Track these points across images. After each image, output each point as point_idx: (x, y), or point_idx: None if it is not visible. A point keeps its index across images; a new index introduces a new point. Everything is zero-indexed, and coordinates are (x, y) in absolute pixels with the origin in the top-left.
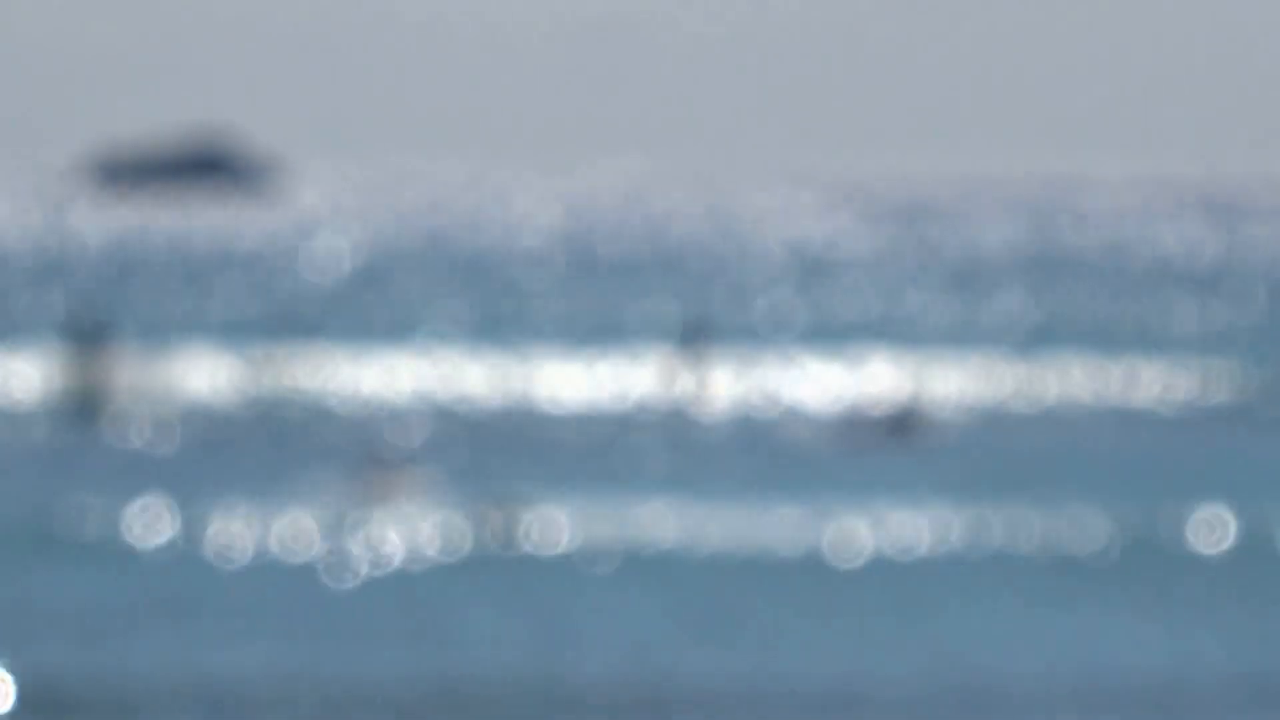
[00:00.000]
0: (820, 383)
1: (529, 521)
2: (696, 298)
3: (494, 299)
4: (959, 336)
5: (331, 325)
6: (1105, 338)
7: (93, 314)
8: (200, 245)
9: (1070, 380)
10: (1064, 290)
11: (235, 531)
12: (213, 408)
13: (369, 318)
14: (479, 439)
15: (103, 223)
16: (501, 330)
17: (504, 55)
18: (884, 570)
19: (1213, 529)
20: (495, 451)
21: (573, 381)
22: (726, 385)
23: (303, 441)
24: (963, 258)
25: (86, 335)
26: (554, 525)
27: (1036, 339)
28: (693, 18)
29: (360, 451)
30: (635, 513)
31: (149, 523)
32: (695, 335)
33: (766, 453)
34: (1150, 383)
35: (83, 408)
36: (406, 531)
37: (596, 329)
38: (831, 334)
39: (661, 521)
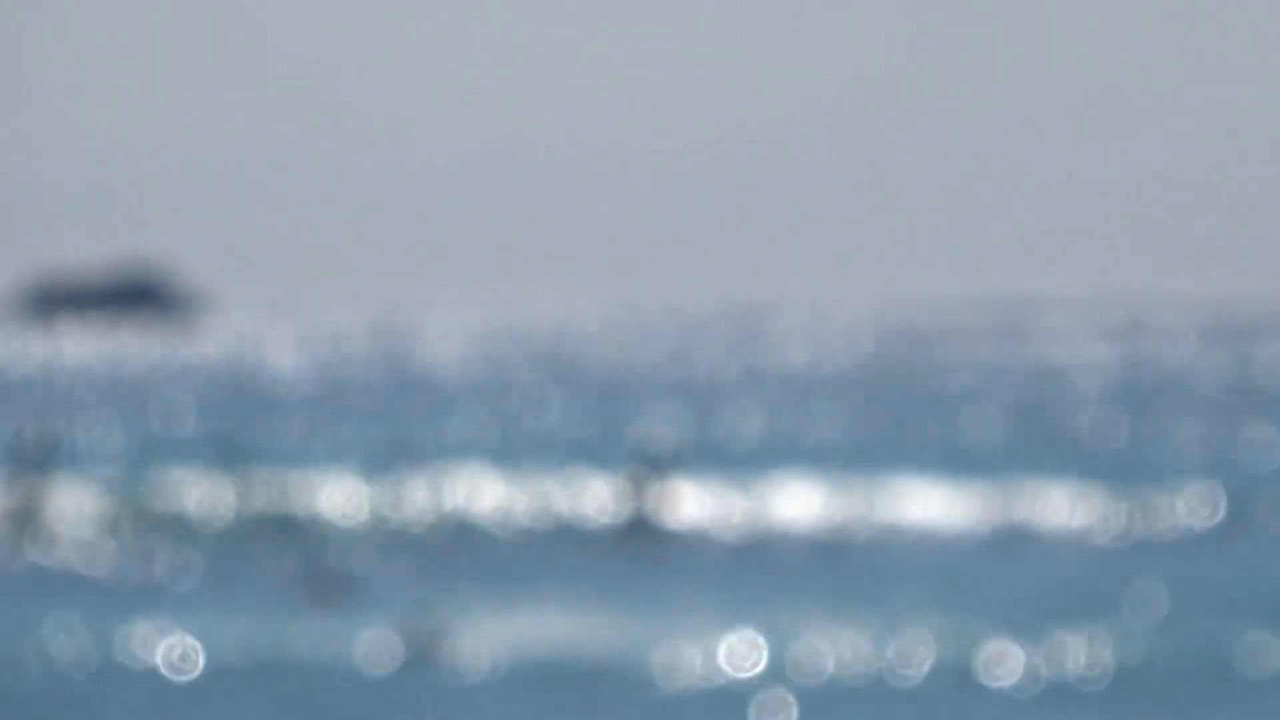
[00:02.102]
0: (766, 505)
1: (453, 642)
2: (652, 419)
3: (425, 421)
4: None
5: (270, 446)
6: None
7: (41, 437)
8: (136, 370)
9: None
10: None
11: (166, 641)
12: (154, 524)
13: (312, 438)
14: (420, 559)
15: (37, 350)
16: (444, 451)
17: (428, 185)
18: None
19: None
20: (435, 572)
21: (525, 501)
22: (680, 506)
23: (242, 556)
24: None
25: (33, 459)
26: (479, 647)
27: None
28: (615, 148)
29: (302, 567)
30: (560, 633)
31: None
32: (652, 457)
33: (725, 573)
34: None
35: (21, 530)
36: (338, 643)
37: (554, 449)
38: (772, 457)
39: (589, 640)
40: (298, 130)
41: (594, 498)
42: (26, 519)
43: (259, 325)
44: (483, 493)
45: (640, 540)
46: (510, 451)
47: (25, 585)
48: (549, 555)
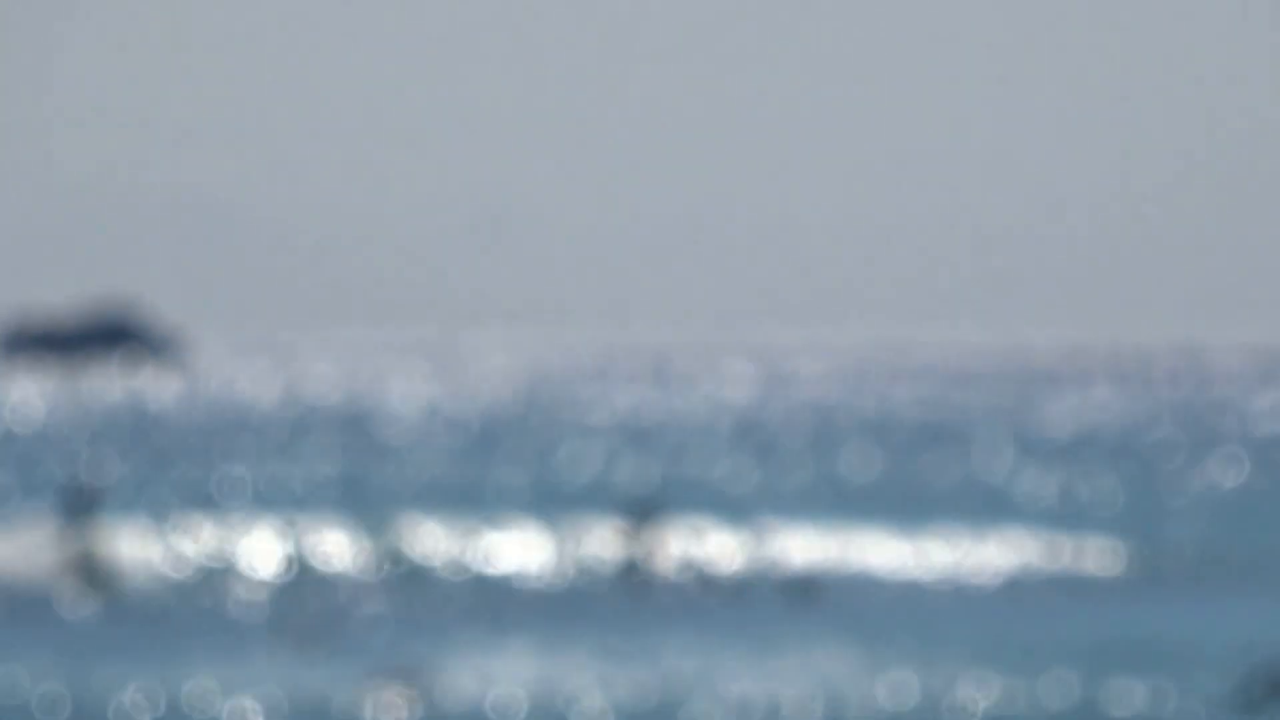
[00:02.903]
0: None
1: (435, 691)
2: (646, 466)
3: (419, 467)
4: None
5: (256, 492)
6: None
7: (87, 484)
8: (119, 414)
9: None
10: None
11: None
12: (135, 576)
13: (309, 484)
14: (402, 603)
15: (17, 393)
16: (431, 497)
17: (415, 232)
18: None
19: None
20: (418, 616)
21: (519, 549)
22: (671, 553)
23: (224, 605)
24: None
25: (81, 506)
26: (463, 694)
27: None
28: (606, 203)
29: (286, 616)
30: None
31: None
32: (644, 505)
33: (710, 619)
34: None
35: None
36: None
37: (543, 497)
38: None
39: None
40: (269, 171)
41: (586, 543)
42: (86, 567)
43: (237, 366)
44: (469, 538)
45: (632, 585)
46: (499, 498)
47: (94, 634)
48: (539, 600)
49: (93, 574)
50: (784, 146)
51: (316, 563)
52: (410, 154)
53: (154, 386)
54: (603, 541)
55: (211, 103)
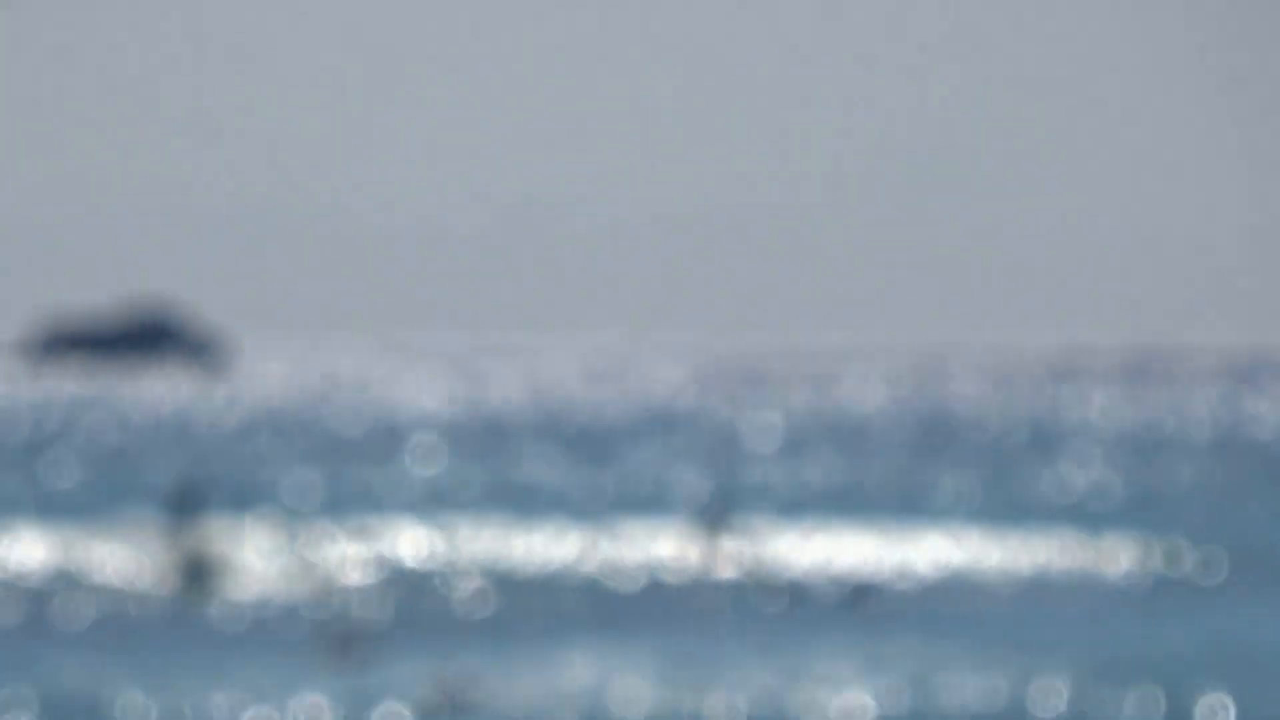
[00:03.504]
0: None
1: (479, 697)
2: (711, 469)
3: (488, 469)
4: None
5: (311, 496)
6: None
7: (193, 485)
8: (162, 416)
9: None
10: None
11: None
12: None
13: (372, 487)
14: (458, 609)
15: (54, 391)
16: (491, 501)
17: (453, 235)
18: None
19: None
20: (473, 623)
21: (583, 553)
22: (738, 557)
23: (260, 612)
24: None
25: (188, 507)
26: (510, 700)
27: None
28: (636, 198)
29: (325, 623)
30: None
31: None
32: (713, 508)
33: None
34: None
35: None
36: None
37: (608, 501)
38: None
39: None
40: (307, 176)
41: (650, 550)
42: (197, 569)
43: (276, 367)
44: (535, 544)
45: (696, 590)
46: (561, 501)
47: (206, 639)
48: (600, 605)
49: (200, 576)
50: (816, 140)
51: (377, 567)
52: (450, 151)
53: (193, 387)
54: (668, 546)
55: (248, 102)
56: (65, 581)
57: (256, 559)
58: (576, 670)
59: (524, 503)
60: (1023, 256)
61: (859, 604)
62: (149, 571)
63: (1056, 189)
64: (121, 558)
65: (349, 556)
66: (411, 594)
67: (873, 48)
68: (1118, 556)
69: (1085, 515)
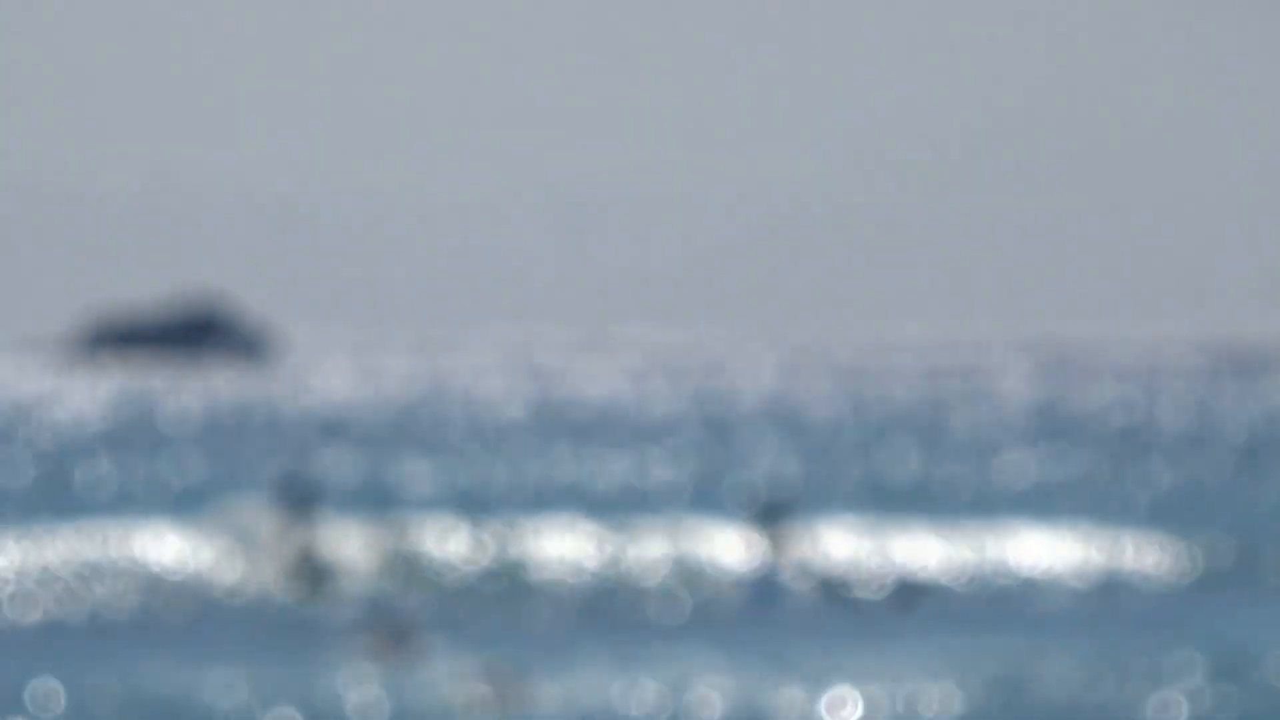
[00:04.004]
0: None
1: (528, 695)
2: (772, 466)
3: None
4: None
5: (367, 488)
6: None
7: (303, 480)
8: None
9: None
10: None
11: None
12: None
13: (439, 480)
14: (500, 607)
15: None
16: (547, 497)
17: (500, 226)
18: None
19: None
20: (514, 620)
21: (640, 551)
22: (800, 556)
23: (309, 605)
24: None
25: (298, 503)
26: (558, 697)
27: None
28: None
29: (375, 617)
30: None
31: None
32: (773, 506)
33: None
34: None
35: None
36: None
37: (672, 497)
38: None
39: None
40: (357, 170)
41: (716, 546)
42: (306, 566)
43: (327, 361)
44: (596, 540)
45: (758, 589)
46: (617, 498)
47: (314, 635)
48: (660, 604)
49: (313, 572)
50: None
51: (425, 563)
52: (497, 146)
53: (244, 381)
54: (729, 544)
55: (299, 96)
56: (167, 576)
57: (350, 554)
58: (631, 668)
59: (588, 498)
60: (1102, 248)
61: (915, 602)
62: (255, 567)
63: (1169, 174)
64: (227, 553)
65: (412, 550)
66: (463, 588)
67: (963, 35)
68: (1196, 556)
69: (1176, 515)
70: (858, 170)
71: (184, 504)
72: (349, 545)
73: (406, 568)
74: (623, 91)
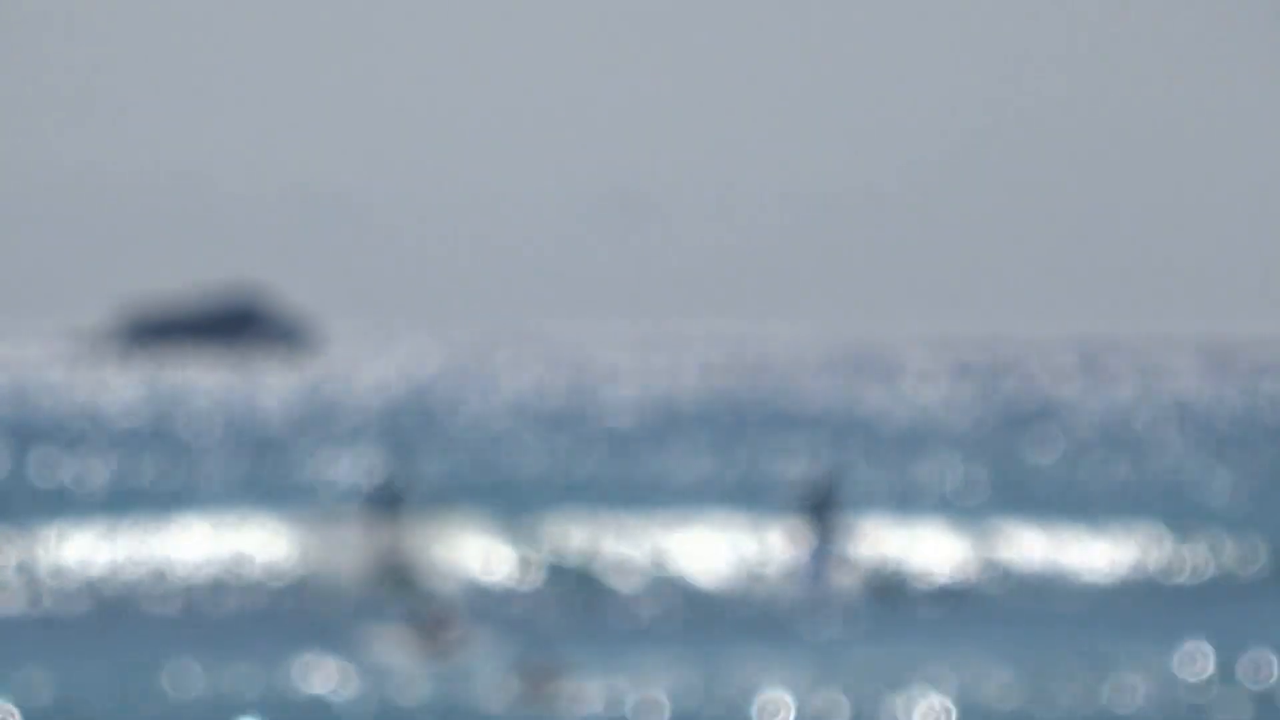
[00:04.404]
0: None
1: (571, 689)
2: (822, 461)
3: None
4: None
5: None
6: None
7: (394, 478)
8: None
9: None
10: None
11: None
12: (261, 570)
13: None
14: (554, 603)
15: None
16: (589, 490)
17: (537, 223)
18: None
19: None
20: (566, 617)
21: (688, 547)
22: (846, 553)
23: (357, 598)
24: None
25: (388, 501)
26: (601, 693)
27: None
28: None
29: (419, 610)
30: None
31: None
32: (820, 501)
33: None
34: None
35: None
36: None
37: (716, 492)
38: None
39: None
40: (396, 160)
41: (763, 541)
42: (397, 565)
43: (365, 354)
44: (642, 536)
45: (803, 585)
46: (666, 494)
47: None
48: (706, 599)
49: (402, 575)
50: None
51: (480, 559)
52: (540, 140)
53: (281, 374)
54: (775, 540)
55: (337, 88)
56: (255, 572)
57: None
58: (674, 665)
59: (637, 494)
60: (1132, 245)
61: (957, 602)
62: (347, 564)
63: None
64: (317, 549)
65: (455, 545)
66: (507, 585)
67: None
68: (1242, 558)
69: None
70: (895, 165)
71: (272, 499)
72: (414, 541)
73: (451, 563)
74: (668, 87)
